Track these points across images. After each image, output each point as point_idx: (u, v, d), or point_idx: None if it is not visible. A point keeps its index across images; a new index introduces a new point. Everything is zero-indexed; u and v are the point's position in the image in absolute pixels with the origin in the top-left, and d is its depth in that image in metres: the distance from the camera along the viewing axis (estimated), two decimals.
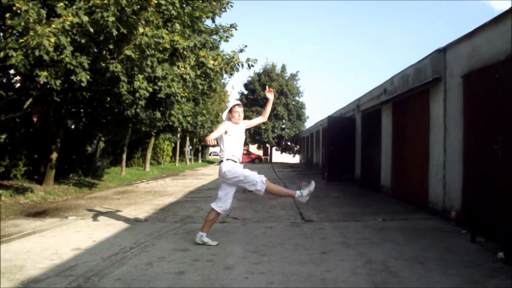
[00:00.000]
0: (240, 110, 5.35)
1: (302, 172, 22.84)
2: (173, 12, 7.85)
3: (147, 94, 9.37)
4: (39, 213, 8.03)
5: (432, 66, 8.05)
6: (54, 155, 11.53)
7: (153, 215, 7.81)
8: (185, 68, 9.04)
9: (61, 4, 6.76)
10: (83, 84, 7.31)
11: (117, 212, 8.18)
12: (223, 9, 11.28)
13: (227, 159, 5.16)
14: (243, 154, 5.86)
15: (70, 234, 5.98)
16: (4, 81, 9.54)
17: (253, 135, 46.48)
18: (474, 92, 6.44)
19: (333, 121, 16.00)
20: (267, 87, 6.08)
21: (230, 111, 5.38)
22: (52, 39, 6.31)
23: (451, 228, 6.40)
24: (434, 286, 3.79)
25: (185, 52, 8.87)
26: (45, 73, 6.88)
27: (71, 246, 5.20)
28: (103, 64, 8.11)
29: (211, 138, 4.97)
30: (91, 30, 6.65)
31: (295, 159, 49.11)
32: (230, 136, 5.22)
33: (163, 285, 3.80)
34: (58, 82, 7.24)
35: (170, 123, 17.38)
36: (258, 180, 5.13)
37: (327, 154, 15.81)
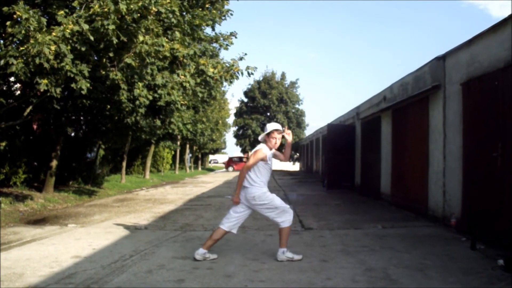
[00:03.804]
0: (279, 136, 4.92)
1: (302, 180, 22.80)
2: (173, 20, 7.89)
3: (147, 102, 9.39)
4: (38, 221, 8.01)
5: (432, 73, 8.09)
6: (54, 163, 11.52)
7: (153, 223, 7.79)
8: (185, 76, 9.06)
9: (62, 12, 6.82)
10: (83, 92, 7.33)
11: (117, 219, 8.15)
12: (223, 17, 11.34)
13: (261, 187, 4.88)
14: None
15: (70, 242, 5.97)
16: (4, 88, 9.57)
17: (253, 143, 46.45)
18: (474, 100, 6.47)
19: (333, 129, 16.02)
20: (286, 128, 5.15)
21: (268, 134, 4.92)
22: (53, 47, 6.34)
23: (451, 235, 6.39)
24: None
25: (185, 60, 8.90)
26: (45, 81, 6.91)
27: (70, 254, 5.19)
28: (103, 72, 8.15)
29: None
30: (91, 38, 6.68)
31: (295, 166, 49.02)
32: (268, 164, 4.92)
33: None
34: (58, 90, 7.27)
35: (170, 131, 17.37)
36: (288, 211, 4.90)
37: (327, 162, 15.82)
